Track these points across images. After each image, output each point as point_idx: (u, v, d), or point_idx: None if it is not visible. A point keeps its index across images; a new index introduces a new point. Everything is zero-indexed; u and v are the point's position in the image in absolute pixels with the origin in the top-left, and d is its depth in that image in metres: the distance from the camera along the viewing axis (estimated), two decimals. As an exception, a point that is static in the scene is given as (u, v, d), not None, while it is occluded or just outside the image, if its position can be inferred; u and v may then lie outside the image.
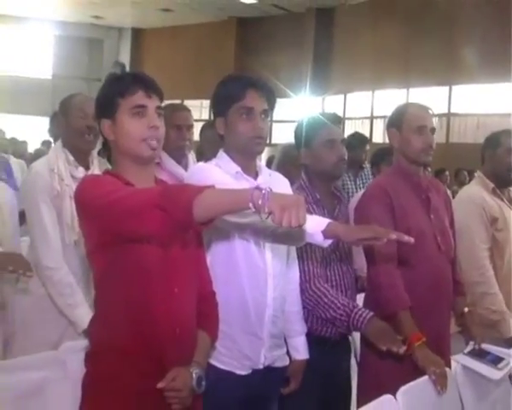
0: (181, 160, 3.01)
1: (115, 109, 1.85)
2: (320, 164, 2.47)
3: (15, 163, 5.52)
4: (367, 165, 4.76)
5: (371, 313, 2.25)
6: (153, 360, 1.77)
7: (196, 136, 3.48)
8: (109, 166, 2.00)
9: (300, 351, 2.33)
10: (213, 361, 2.05)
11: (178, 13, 12.89)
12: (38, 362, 2.25)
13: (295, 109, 12.36)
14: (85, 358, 1.90)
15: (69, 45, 14.60)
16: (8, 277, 2.44)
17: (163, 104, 1.93)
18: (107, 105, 1.88)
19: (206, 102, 13.82)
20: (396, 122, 2.59)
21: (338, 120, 2.60)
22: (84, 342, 2.36)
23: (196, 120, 3.52)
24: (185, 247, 1.84)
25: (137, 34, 14.73)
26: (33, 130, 12.55)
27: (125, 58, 14.43)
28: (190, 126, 3.06)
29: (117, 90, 1.86)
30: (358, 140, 4.70)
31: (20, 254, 2.28)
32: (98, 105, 1.92)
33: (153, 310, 1.77)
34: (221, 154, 2.19)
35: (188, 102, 14.01)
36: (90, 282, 2.65)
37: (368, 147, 4.79)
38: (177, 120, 2.96)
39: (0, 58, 14.56)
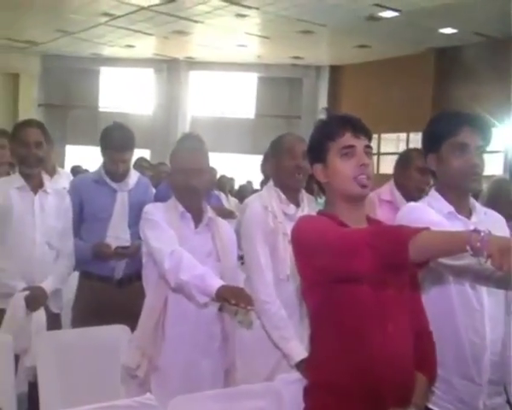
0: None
1: (326, 153, 1.94)
2: None
3: (224, 199, 5.93)
4: None
5: None
6: (370, 400, 1.78)
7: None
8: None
9: None
10: (430, 405, 2.02)
11: (375, 48, 12.93)
12: (257, 392, 2.38)
13: (501, 139, 11.72)
14: (304, 393, 1.97)
15: (270, 86, 15.32)
16: (230, 309, 2.62)
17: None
18: (318, 150, 1.97)
19: (403, 136, 13.66)
20: None
21: None
22: (298, 375, 2.46)
23: (393, 153, 3.53)
24: (401, 288, 1.85)
25: (335, 71, 15.02)
26: (237, 167, 13.33)
27: (323, 95, 14.79)
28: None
29: (326, 134, 1.95)
30: None
31: (242, 288, 2.44)
32: (310, 151, 2.03)
33: (368, 349, 1.79)
34: (433, 192, 2.17)
35: (384, 136, 13.97)
36: (303, 316, 2.76)
37: None
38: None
39: (207, 101, 15.71)
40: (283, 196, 2.86)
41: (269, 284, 2.74)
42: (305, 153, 2.34)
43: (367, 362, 1.78)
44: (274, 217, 2.80)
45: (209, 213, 2.76)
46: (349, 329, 1.82)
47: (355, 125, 1.93)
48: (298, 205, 2.89)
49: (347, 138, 1.90)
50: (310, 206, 2.94)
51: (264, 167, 4.56)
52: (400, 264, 1.59)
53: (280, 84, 15.31)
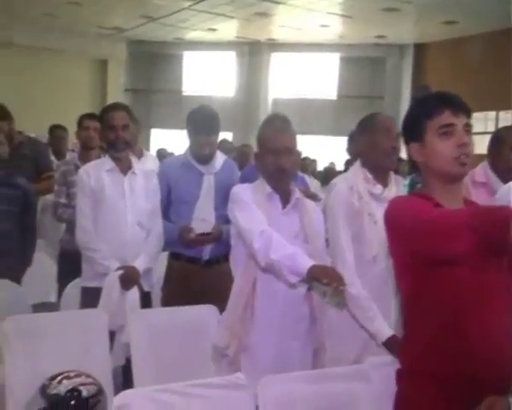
0: None
1: (423, 132, 1.88)
2: None
3: (308, 181, 5.90)
4: None
5: None
6: (469, 386, 1.74)
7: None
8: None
9: None
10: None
11: (463, 24, 12.47)
12: (346, 374, 2.38)
13: None
14: (397, 377, 1.94)
15: (353, 66, 15.08)
16: (319, 289, 2.61)
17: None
18: (414, 129, 1.92)
19: (492, 114, 13.16)
20: None
21: None
22: (388, 358, 2.43)
23: (481, 133, 3.41)
24: (499, 271, 1.79)
25: (419, 49, 14.59)
26: (320, 149, 13.25)
27: (407, 74, 14.41)
28: None
29: (424, 112, 1.90)
30: None
31: (333, 267, 2.42)
32: (405, 129, 1.98)
33: (466, 334, 1.75)
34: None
35: (474, 115, 13.43)
36: (388, 297, 2.72)
37: None
38: None
39: (288, 83, 15.66)
40: (370, 176, 2.81)
41: (350, 266, 2.71)
42: (399, 133, 2.29)
43: (465, 347, 1.74)
44: (359, 197, 2.76)
45: (297, 194, 2.76)
46: (447, 313, 1.77)
47: (454, 102, 1.87)
48: (385, 185, 2.83)
49: (446, 117, 1.85)
50: (398, 186, 2.88)
51: (351, 148, 4.50)
52: (501, 246, 1.54)
53: (362, 63, 15.03)
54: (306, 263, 2.36)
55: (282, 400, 2.19)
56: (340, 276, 2.27)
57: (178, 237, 3.57)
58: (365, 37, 13.74)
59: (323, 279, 2.25)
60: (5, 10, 12.73)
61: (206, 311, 3.13)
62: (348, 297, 2.64)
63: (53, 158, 6.00)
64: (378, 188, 2.80)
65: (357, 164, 2.91)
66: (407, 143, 1.96)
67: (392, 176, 2.90)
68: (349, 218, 2.74)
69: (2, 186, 3.87)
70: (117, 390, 2.91)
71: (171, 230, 3.59)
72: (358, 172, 2.85)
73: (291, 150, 2.69)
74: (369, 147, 2.81)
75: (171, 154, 8.95)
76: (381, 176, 2.83)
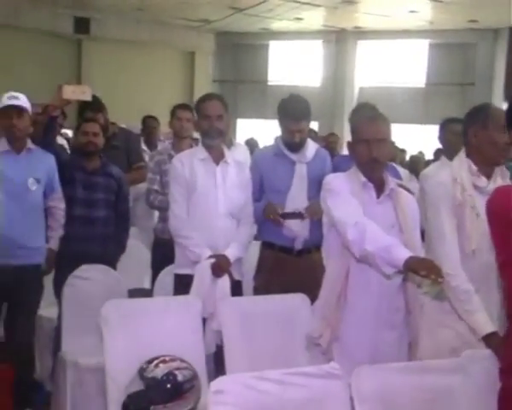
0: None
1: None
2: None
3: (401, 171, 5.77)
4: None
5: None
6: None
7: None
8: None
9: None
10: None
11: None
12: (442, 367, 2.33)
13: None
14: (501, 373, 1.88)
15: (443, 52, 14.65)
16: (414, 280, 2.56)
17: None
18: None
19: None
20: None
21: None
22: (485, 352, 2.36)
23: None
24: None
25: (515, 33, 13.99)
26: (408, 137, 12.96)
27: (501, 59, 13.84)
28: None
29: None
30: None
31: (431, 259, 2.36)
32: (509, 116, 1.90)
33: None
34: None
35: None
36: (490, 292, 2.63)
37: None
38: None
39: (375, 71, 15.40)
40: (475, 168, 2.71)
41: (452, 257, 2.63)
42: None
43: None
44: (463, 189, 2.67)
45: (391, 183, 2.71)
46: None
47: None
48: (489, 177, 2.73)
49: None
50: (504, 179, 2.76)
51: (442, 136, 4.37)
52: None
53: (453, 49, 14.58)
54: (403, 254, 2.32)
55: (376, 391, 2.17)
56: (438, 268, 2.22)
57: (263, 212, 3.56)
58: (457, 21, 13.30)
59: (421, 271, 2.21)
60: (99, 6, 13.19)
61: (297, 300, 3.14)
62: (448, 289, 2.57)
63: (145, 148, 6.17)
64: (483, 181, 2.70)
65: (462, 154, 2.80)
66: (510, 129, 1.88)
67: (497, 168, 2.79)
68: (451, 210, 2.66)
69: (99, 176, 4.03)
70: (209, 376, 2.97)
71: (258, 207, 3.60)
72: (463, 162, 2.75)
73: (385, 140, 2.65)
74: (484, 142, 2.68)
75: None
76: (487, 169, 2.73)
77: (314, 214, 3.42)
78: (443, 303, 2.67)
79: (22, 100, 3.62)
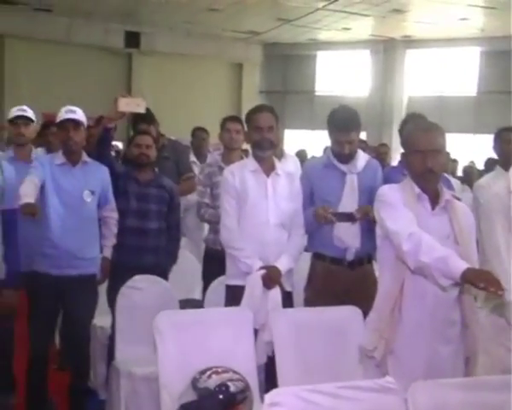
0: None
1: None
2: None
3: (454, 183, 5.69)
4: None
5: None
6: None
7: None
8: None
9: None
10: None
11: None
12: (499, 384, 2.26)
13: None
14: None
15: (495, 60, 14.35)
16: (470, 292, 2.51)
17: None
18: None
19: None
20: None
21: None
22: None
23: None
24: None
25: None
26: (459, 147, 12.74)
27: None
28: None
29: None
30: None
31: (490, 271, 2.31)
32: None
33: None
34: None
35: None
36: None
37: None
38: None
39: (424, 80, 15.20)
40: None
41: (509, 272, 2.57)
42: None
43: None
44: None
45: (446, 195, 2.67)
46: None
47: None
48: None
49: None
50: None
51: (497, 146, 4.28)
52: None
53: (505, 57, 14.24)
54: (460, 266, 2.27)
55: (433, 406, 2.12)
56: (497, 280, 2.17)
57: (314, 216, 3.50)
58: (508, 28, 13.04)
59: (480, 284, 2.16)
60: (148, 20, 13.43)
61: (349, 312, 3.12)
62: (504, 303, 2.51)
63: (194, 159, 6.23)
64: None
65: None
66: None
67: None
68: (506, 222, 2.61)
69: (152, 187, 4.08)
70: (261, 388, 2.97)
71: (307, 214, 3.56)
72: None
73: (440, 151, 2.61)
74: None
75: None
76: None
77: (365, 215, 3.39)
78: (498, 319, 2.61)
79: (79, 114, 3.70)
